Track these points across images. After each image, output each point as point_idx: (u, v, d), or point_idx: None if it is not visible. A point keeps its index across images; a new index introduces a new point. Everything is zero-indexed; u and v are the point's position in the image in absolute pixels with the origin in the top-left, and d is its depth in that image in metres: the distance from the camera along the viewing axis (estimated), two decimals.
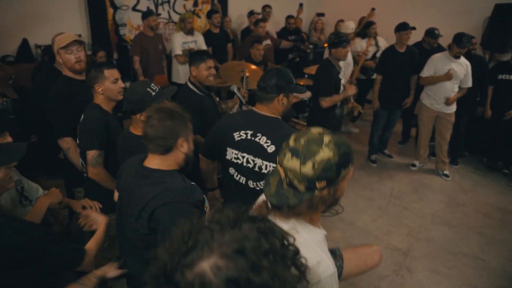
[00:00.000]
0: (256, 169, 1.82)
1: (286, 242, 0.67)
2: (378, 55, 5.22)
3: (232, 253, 0.59)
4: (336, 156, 0.95)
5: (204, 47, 4.96)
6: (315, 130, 1.00)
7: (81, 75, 2.44)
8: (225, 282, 0.56)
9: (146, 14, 4.69)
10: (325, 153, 0.94)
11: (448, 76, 4.05)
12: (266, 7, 6.09)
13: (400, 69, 4.32)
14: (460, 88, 4.17)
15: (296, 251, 0.68)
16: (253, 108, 1.91)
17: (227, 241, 0.60)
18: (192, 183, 1.50)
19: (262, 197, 1.18)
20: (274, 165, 1.74)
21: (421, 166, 4.73)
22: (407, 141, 5.40)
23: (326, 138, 0.96)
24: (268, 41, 5.40)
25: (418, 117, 4.57)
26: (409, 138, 5.40)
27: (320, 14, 6.65)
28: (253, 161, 1.81)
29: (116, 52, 5.52)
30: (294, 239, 0.70)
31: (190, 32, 4.80)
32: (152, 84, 1.90)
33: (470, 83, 4.11)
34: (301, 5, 6.50)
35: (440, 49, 4.79)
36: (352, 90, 3.49)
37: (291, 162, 0.96)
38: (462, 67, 4.02)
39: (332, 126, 3.53)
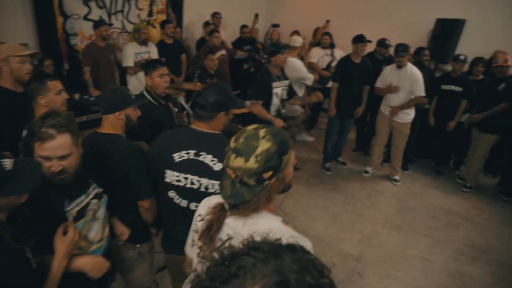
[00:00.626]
0: (202, 189, 1.72)
1: (324, 274, 0.64)
2: (333, 64, 5.39)
3: (274, 285, 0.56)
4: (275, 146, 1.03)
5: (156, 57, 4.90)
6: (250, 127, 1.08)
7: (21, 88, 2.33)
8: None
9: (98, 24, 4.57)
10: (264, 145, 1.02)
11: (390, 89, 4.28)
12: (216, 14, 6.13)
13: (354, 79, 4.45)
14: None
15: (332, 284, 0.64)
16: (192, 126, 1.81)
17: (270, 272, 0.58)
18: None
19: (213, 200, 1.23)
20: (214, 181, 1.71)
21: (374, 173, 4.90)
22: (361, 149, 5.58)
23: (262, 132, 1.05)
24: (223, 51, 5.42)
25: (375, 123, 4.75)
26: (362, 146, 5.58)
27: (275, 25, 6.79)
28: (199, 181, 1.72)
29: (67, 62, 5.33)
30: (330, 271, 0.66)
31: (144, 42, 4.72)
32: (131, 91, 2.03)
33: (420, 92, 4.17)
34: (256, 15, 6.59)
35: (391, 58, 5.03)
36: (279, 123, 3.42)
37: (236, 161, 1.03)
38: (407, 76, 4.18)
39: None
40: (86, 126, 3.07)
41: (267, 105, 3.45)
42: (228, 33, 7.07)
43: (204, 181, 1.71)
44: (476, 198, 4.47)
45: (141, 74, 4.74)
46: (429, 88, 4.55)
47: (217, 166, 1.68)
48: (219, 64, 5.03)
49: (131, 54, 4.67)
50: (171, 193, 1.79)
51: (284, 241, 0.67)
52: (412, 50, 4.82)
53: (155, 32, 6.24)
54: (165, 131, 1.91)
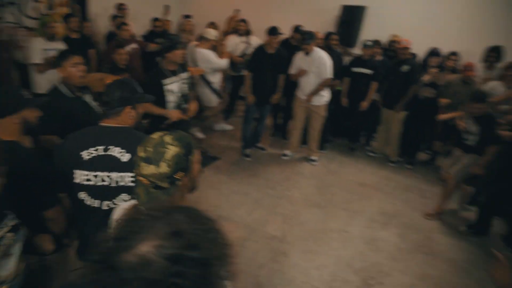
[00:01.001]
0: (113, 184, 1.68)
1: (211, 221, 0.75)
2: (248, 51, 5.39)
3: (169, 234, 0.65)
4: (182, 149, 1.14)
5: None
6: (155, 135, 1.16)
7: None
8: (165, 259, 0.62)
9: None
10: (172, 150, 1.11)
11: (299, 74, 4.46)
12: (121, 5, 5.80)
13: (269, 68, 4.51)
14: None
15: (219, 230, 0.75)
16: (101, 123, 1.75)
17: (164, 225, 0.67)
18: None
19: (127, 204, 1.28)
20: (131, 174, 1.66)
21: (293, 156, 5.04)
22: (279, 133, 5.68)
23: (167, 138, 1.13)
24: (134, 45, 5.12)
25: (292, 108, 4.86)
26: (280, 130, 5.70)
27: (187, 16, 6.60)
28: (109, 176, 1.67)
29: None
30: (215, 221, 0.77)
31: (52, 37, 4.24)
32: (23, 89, 1.83)
33: (327, 75, 4.34)
34: (167, 7, 6.36)
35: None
36: (174, 115, 3.19)
37: (148, 169, 1.11)
38: (314, 61, 4.34)
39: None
40: None
41: (162, 103, 3.19)
42: (138, 26, 6.70)
43: (114, 175, 1.67)
44: (385, 170, 4.84)
45: (50, 71, 4.24)
46: (339, 71, 4.80)
47: (125, 157, 1.66)
48: (130, 58, 4.73)
49: (38, 50, 4.15)
50: (82, 194, 1.70)
51: None
52: (321, 35, 5.03)
53: (58, 27, 5.65)
54: (72, 133, 1.75)
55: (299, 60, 4.47)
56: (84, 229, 1.82)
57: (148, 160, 1.11)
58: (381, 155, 5.20)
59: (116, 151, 1.66)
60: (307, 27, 5.51)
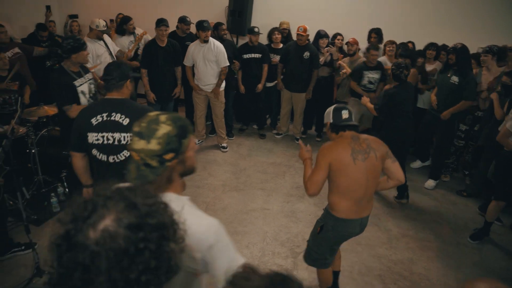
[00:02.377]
0: (116, 143, 2.12)
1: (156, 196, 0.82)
2: (140, 52, 5.09)
3: (126, 207, 0.72)
4: (175, 129, 1.12)
5: None
6: (153, 113, 1.17)
7: None
8: (127, 229, 0.69)
9: None
10: (164, 128, 1.11)
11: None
12: None
13: (164, 62, 4.41)
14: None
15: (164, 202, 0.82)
16: (105, 97, 2.20)
17: (118, 201, 0.73)
18: None
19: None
20: (130, 134, 1.99)
21: (201, 143, 5.03)
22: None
23: (163, 117, 1.14)
24: (17, 49, 4.44)
25: (192, 99, 4.78)
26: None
27: (73, 16, 5.98)
28: (112, 136, 2.11)
29: None
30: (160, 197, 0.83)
31: None
32: None
33: (226, 63, 4.48)
34: (48, 7, 5.64)
35: (191, 35, 5.12)
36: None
37: (139, 144, 1.11)
38: (212, 50, 4.39)
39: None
40: None
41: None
42: (17, 28, 5.81)
43: (116, 135, 2.11)
44: (292, 148, 5.15)
45: None
46: (234, 59, 4.91)
47: (126, 121, 2.09)
48: (16, 63, 4.07)
49: None
50: (94, 151, 2.15)
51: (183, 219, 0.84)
52: (211, 24, 5.06)
53: None
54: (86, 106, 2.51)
55: (194, 50, 4.45)
56: (98, 179, 2.27)
57: (140, 135, 1.12)
58: (287, 134, 5.52)
59: (117, 117, 2.10)
60: (197, 19, 5.49)
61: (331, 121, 2.21)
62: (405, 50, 4.58)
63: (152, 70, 4.44)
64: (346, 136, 2.17)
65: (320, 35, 5.03)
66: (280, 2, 5.92)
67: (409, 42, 5.04)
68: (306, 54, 4.81)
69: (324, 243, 2.33)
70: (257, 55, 4.98)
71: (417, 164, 4.82)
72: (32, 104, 3.84)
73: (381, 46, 5.07)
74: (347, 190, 2.15)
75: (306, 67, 4.86)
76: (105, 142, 2.11)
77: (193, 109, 4.97)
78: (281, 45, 5.18)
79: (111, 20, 6.13)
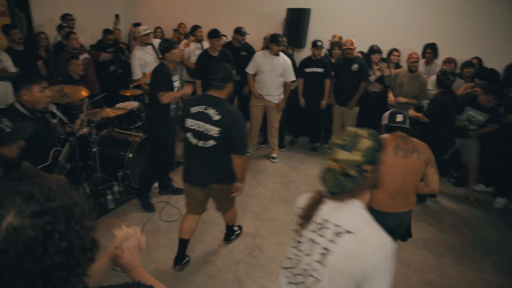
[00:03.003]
0: (205, 132, 2.51)
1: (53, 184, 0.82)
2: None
3: (24, 200, 0.74)
4: (375, 143, 1.23)
5: (12, 67, 4.25)
6: (352, 129, 1.28)
7: None
8: (32, 217, 0.72)
9: None
10: (366, 142, 1.22)
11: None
12: (67, 16, 5.59)
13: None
14: (285, 82, 4.69)
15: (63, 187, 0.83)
16: (207, 93, 2.63)
17: (16, 196, 0.74)
18: None
19: (306, 196, 1.47)
20: (217, 128, 2.47)
21: (252, 152, 5.15)
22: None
23: (362, 132, 1.25)
24: (86, 55, 4.92)
25: (250, 106, 4.94)
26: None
27: (137, 24, 6.47)
28: (204, 126, 2.51)
29: None
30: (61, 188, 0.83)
31: None
32: (5, 119, 1.76)
33: (292, 77, 4.65)
34: (117, 16, 6.19)
35: (247, 46, 5.30)
36: (189, 90, 3.53)
37: (342, 154, 1.22)
38: (281, 64, 4.53)
39: (168, 127, 3.60)
40: None
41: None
42: (87, 36, 6.43)
43: (207, 126, 2.50)
44: None
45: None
46: (294, 72, 4.99)
47: (217, 117, 2.48)
48: (84, 68, 4.54)
49: None
50: (188, 134, 2.61)
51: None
52: (268, 36, 5.20)
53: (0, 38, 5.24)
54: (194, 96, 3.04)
55: (262, 61, 4.58)
56: (188, 159, 2.73)
57: (343, 147, 1.23)
58: None
59: (211, 112, 2.49)
60: (254, 30, 5.68)
61: (386, 122, 2.52)
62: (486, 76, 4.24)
63: (203, 80, 4.61)
64: (395, 134, 2.44)
65: (373, 50, 4.98)
66: (337, 16, 5.91)
67: (474, 58, 4.79)
68: (355, 66, 4.79)
69: None
70: (320, 70, 5.01)
71: (480, 187, 4.56)
72: (95, 106, 4.16)
73: (438, 62, 4.91)
74: (382, 180, 2.22)
75: (355, 80, 4.83)
76: (197, 129, 2.54)
77: (247, 118, 5.12)
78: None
79: (174, 30, 6.51)
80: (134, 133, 4.19)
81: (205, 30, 5.81)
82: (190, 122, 2.56)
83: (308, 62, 5.12)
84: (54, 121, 3.07)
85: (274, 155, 5.05)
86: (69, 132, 3.17)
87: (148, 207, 3.75)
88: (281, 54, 4.57)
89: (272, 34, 4.51)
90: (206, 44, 5.64)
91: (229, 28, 5.36)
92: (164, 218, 3.63)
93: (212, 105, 2.51)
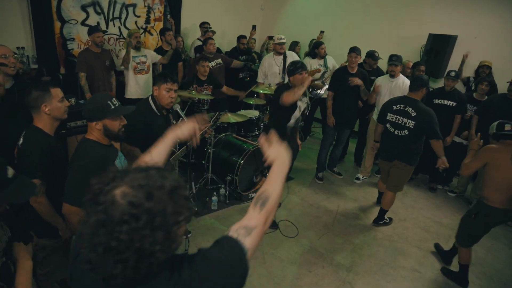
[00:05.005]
0: (402, 124, 3.58)
1: (174, 184, 0.87)
2: (326, 75, 5.45)
3: (137, 186, 0.81)
4: None
5: (156, 59, 4.98)
6: None
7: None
8: (127, 204, 0.79)
9: (91, 30, 4.57)
10: None
11: (374, 91, 4.51)
12: (204, 24, 6.21)
13: (350, 89, 4.49)
14: None
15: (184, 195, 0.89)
16: (406, 95, 3.66)
17: (136, 178, 0.83)
18: None
19: None
20: (412, 122, 3.51)
21: (364, 179, 4.96)
22: (360, 163, 5.39)
23: None
24: (219, 60, 5.47)
25: (368, 130, 4.81)
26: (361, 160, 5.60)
27: (272, 37, 6.88)
28: (402, 120, 3.58)
29: (63, 67, 5.33)
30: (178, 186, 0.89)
31: (137, 48, 4.75)
32: (114, 99, 1.99)
33: None
34: (254, 27, 6.70)
35: (378, 70, 5.12)
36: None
37: None
38: (399, 87, 4.33)
39: (286, 136, 3.69)
40: (83, 131, 3.06)
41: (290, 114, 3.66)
42: (225, 42, 7.14)
43: (405, 120, 3.55)
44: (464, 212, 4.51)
45: (140, 78, 4.79)
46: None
47: (413, 113, 3.49)
48: (216, 72, 5.07)
49: (127, 58, 4.69)
50: (388, 125, 3.71)
51: None
52: (410, 64, 4.95)
53: (152, 39, 6.29)
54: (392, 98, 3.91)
55: (381, 84, 4.45)
56: (385, 144, 3.86)
57: None
58: (462, 195, 4.87)
59: (409, 109, 3.53)
60: (387, 55, 5.45)
61: (494, 131, 2.92)
62: None
63: (337, 95, 4.59)
64: (508, 143, 2.82)
65: None
66: (483, 42, 5.27)
67: None
68: None
69: (479, 227, 3.02)
70: (451, 103, 4.54)
71: None
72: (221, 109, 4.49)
73: None
74: (500, 185, 2.81)
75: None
76: (396, 121, 3.61)
77: (365, 142, 4.98)
78: (485, 97, 4.50)
79: (295, 42, 6.62)
80: (250, 141, 4.39)
81: (338, 48, 5.89)
82: (390, 116, 3.65)
83: (439, 93, 4.66)
84: (174, 122, 3.25)
85: None
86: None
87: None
88: (402, 77, 4.36)
89: (391, 55, 4.36)
90: (329, 59, 5.67)
91: (363, 48, 5.25)
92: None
93: (409, 104, 3.54)
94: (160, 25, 6.28)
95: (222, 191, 4.19)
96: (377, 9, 6.36)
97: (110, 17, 5.64)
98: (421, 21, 5.85)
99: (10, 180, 1.35)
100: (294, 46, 6.50)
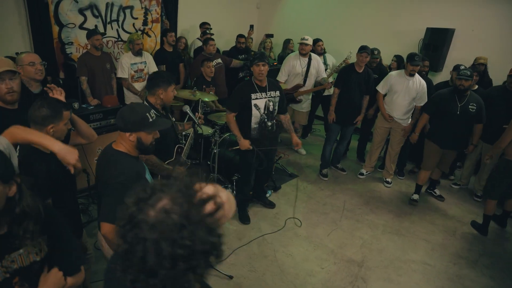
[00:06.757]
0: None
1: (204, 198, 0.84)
2: (327, 72, 5.46)
3: (180, 189, 0.81)
4: None
5: (155, 67, 4.93)
6: None
7: (13, 105, 2.27)
8: (178, 208, 0.77)
9: (90, 33, 4.52)
10: None
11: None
12: (204, 24, 6.20)
13: (355, 87, 4.50)
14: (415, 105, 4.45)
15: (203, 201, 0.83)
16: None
17: (171, 184, 0.82)
18: None
19: None
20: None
21: (368, 174, 5.00)
22: (363, 159, 5.41)
23: None
24: (219, 60, 5.46)
25: (375, 126, 4.83)
26: (357, 152, 5.65)
27: (269, 35, 6.89)
28: None
29: (62, 71, 5.29)
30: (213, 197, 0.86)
31: (139, 53, 4.74)
32: (152, 111, 1.97)
33: (424, 102, 4.34)
34: (251, 26, 6.70)
35: (379, 66, 5.14)
36: (244, 146, 3.54)
37: None
38: (416, 86, 4.30)
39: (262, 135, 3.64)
40: None
41: (248, 115, 3.50)
42: (222, 42, 7.12)
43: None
44: (469, 204, 4.57)
45: (136, 86, 4.79)
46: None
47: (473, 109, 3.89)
48: (216, 72, 5.06)
49: (126, 65, 4.70)
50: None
51: None
52: (427, 62, 4.88)
53: (150, 41, 6.26)
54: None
55: (396, 81, 4.40)
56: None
57: None
58: (465, 187, 4.91)
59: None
60: (387, 49, 5.48)
61: None
62: None
63: (342, 93, 4.58)
64: None
65: None
66: (480, 35, 5.32)
67: None
68: None
69: (504, 178, 3.65)
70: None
71: None
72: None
73: None
74: None
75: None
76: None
77: (367, 138, 4.99)
78: (475, 87, 4.50)
79: (287, 40, 6.61)
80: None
81: (336, 45, 5.90)
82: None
83: (444, 87, 4.67)
84: (173, 119, 3.22)
85: (388, 179, 4.81)
86: (181, 130, 3.35)
87: (245, 219, 3.82)
88: (417, 76, 4.32)
89: (409, 54, 4.29)
90: (328, 57, 5.69)
91: (359, 44, 5.26)
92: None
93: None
94: (157, 26, 6.24)
95: (229, 191, 4.17)
96: (374, 3, 6.37)
97: (108, 20, 5.59)
98: (418, 15, 5.88)
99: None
100: (286, 43, 6.51)
